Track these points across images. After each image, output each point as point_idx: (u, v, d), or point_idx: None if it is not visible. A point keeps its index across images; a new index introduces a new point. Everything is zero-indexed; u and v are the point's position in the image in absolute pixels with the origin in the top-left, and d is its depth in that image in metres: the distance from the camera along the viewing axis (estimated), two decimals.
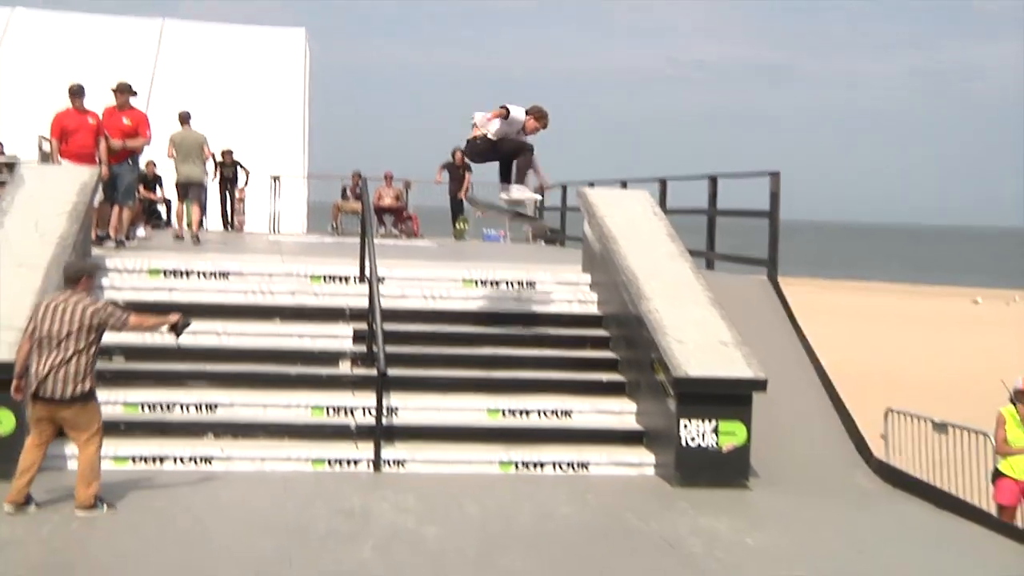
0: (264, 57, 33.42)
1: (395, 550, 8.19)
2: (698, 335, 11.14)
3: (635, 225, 13.30)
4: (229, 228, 23.69)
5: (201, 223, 22.84)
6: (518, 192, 11.88)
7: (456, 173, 24.93)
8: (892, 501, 10.52)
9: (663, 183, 17.31)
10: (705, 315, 11.58)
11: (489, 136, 11.71)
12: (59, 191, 12.28)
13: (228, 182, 23.72)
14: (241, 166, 23.87)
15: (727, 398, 10.50)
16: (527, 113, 11.71)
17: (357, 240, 13.43)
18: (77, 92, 14.60)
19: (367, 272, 12.31)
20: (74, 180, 12.64)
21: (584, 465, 10.66)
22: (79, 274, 8.98)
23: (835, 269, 61.18)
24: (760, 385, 10.61)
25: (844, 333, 26.07)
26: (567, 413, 11.26)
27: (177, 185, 18.43)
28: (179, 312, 9.44)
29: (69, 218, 11.80)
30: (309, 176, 29.45)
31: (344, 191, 25.25)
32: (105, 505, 8.72)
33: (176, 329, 9.26)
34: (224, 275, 12.74)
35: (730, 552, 8.49)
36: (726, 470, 10.43)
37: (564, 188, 23.37)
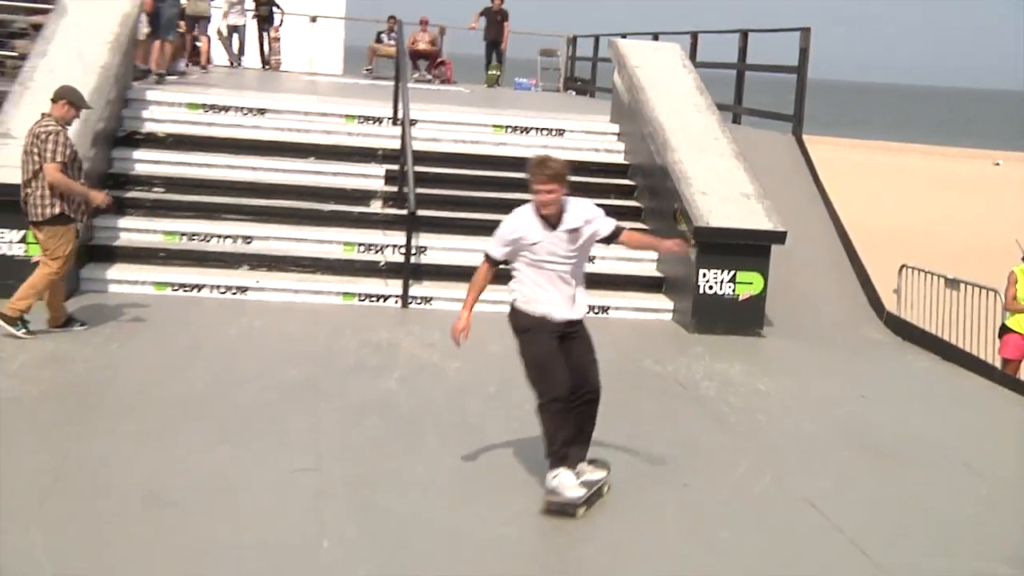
0: None
1: (419, 382, 8.58)
2: (721, 187, 11.36)
3: (665, 77, 13.41)
4: (266, 67, 23.79)
5: (236, 59, 22.98)
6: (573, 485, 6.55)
7: (493, 19, 24.78)
8: (900, 352, 10.88)
9: (694, 36, 17.31)
10: (729, 167, 11.77)
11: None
12: (101, 21, 12.43)
13: (263, 21, 23.71)
14: (276, 5, 23.83)
15: (746, 248, 10.78)
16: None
17: (391, 83, 13.60)
18: None
19: (400, 115, 12.53)
20: (116, 11, 12.76)
21: (605, 309, 10.99)
22: (54, 97, 8.83)
23: (852, 128, 60.54)
24: (779, 237, 10.87)
25: (865, 191, 26.08)
26: (590, 258, 11.49)
27: (185, 18, 18.68)
28: (110, 196, 9.00)
29: (112, 49, 11.98)
30: (346, 18, 29.33)
31: (379, 35, 25.22)
32: (24, 329, 8.65)
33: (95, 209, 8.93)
34: (261, 112, 12.98)
35: (741, 396, 8.87)
36: (742, 318, 10.76)
37: (596, 39, 23.32)
